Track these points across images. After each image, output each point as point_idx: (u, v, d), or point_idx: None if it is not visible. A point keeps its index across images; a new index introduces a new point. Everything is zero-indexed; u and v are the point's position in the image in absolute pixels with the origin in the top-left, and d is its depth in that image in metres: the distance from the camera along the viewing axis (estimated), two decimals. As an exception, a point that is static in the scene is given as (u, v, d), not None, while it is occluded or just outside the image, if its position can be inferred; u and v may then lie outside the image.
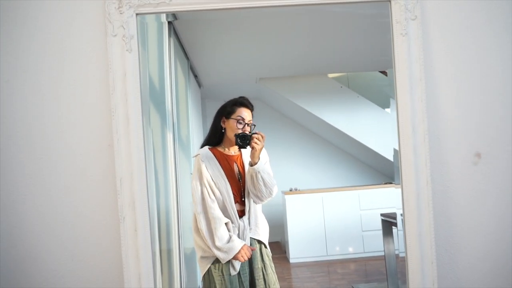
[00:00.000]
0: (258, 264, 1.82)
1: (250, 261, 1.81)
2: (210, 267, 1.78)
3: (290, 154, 4.09)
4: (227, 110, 1.84)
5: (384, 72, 2.74)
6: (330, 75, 3.42)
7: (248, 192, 1.81)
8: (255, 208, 1.85)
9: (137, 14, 1.52)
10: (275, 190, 1.82)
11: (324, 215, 3.55)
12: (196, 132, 2.85)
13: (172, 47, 2.20)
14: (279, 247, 3.84)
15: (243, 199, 1.83)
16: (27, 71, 1.56)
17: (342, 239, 3.47)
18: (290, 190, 3.80)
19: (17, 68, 1.56)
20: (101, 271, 1.55)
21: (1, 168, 1.55)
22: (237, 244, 1.74)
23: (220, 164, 1.82)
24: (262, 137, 1.75)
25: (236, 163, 1.86)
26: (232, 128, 1.82)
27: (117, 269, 1.53)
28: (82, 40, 1.56)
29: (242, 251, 1.74)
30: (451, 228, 1.63)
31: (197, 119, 2.95)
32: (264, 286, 1.80)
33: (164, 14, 1.70)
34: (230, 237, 1.74)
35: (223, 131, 1.86)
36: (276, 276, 1.86)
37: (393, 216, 2.28)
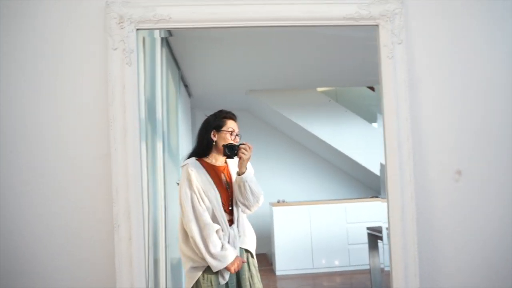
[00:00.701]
0: (245, 274, 1.84)
1: (238, 271, 1.82)
2: (199, 277, 1.78)
3: (278, 165, 4.09)
4: (216, 123, 1.89)
5: (372, 88, 2.80)
6: (319, 89, 3.45)
7: (236, 201, 1.85)
8: (243, 217, 1.89)
9: (137, 30, 1.55)
10: (262, 199, 1.87)
11: (311, 227, 3.54)
12: (185, 142, 2.85)
13: (164, 58, 2.22)
14: (265, 259, 3.83)
15: (230, 208, 1.86)
16: (28, 80, 1.58)
17: (328, 252, 3.46)
18: (278, 202, 3.80)
19: (18, 77, 1.58)
20: (94, 278, 1.57)
21: (-5, 175, 1.55)
22: (231, 253, 1.76)
23: (209, 174, 1.85)
24: (249, 148, 1.80)
25: (223, 173, 1.89)
26: (225, 139, 1.87)
27: (110, 277, 1.54)
28: (83, 52, 1.60)
29: (235, 263, 1.76)
30: (434, 242, 1.66)
31: (186, 129, 2.95)
32: (250, 296, 1.81)
33: (158, 31, 1.73)
34: (223, 245, 1.76)
35: (214, 143, 1.89)
36: (262, 285, 1.88)
37: (379, 229, 2.30)
